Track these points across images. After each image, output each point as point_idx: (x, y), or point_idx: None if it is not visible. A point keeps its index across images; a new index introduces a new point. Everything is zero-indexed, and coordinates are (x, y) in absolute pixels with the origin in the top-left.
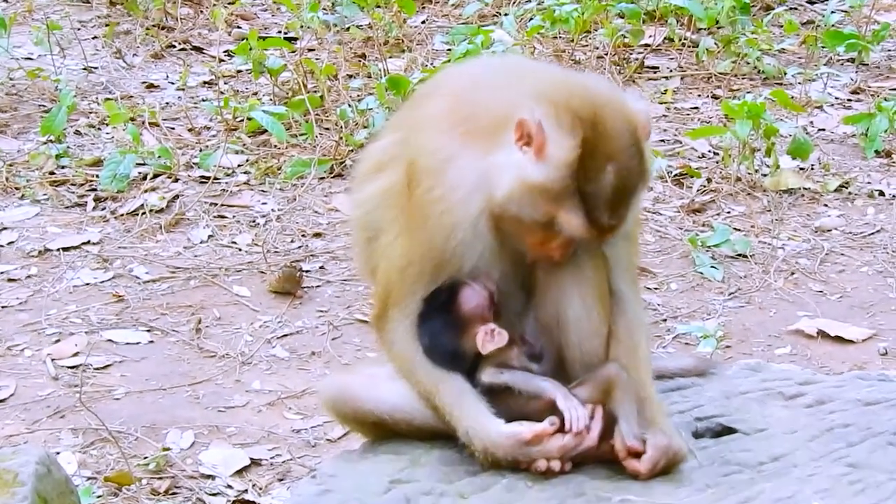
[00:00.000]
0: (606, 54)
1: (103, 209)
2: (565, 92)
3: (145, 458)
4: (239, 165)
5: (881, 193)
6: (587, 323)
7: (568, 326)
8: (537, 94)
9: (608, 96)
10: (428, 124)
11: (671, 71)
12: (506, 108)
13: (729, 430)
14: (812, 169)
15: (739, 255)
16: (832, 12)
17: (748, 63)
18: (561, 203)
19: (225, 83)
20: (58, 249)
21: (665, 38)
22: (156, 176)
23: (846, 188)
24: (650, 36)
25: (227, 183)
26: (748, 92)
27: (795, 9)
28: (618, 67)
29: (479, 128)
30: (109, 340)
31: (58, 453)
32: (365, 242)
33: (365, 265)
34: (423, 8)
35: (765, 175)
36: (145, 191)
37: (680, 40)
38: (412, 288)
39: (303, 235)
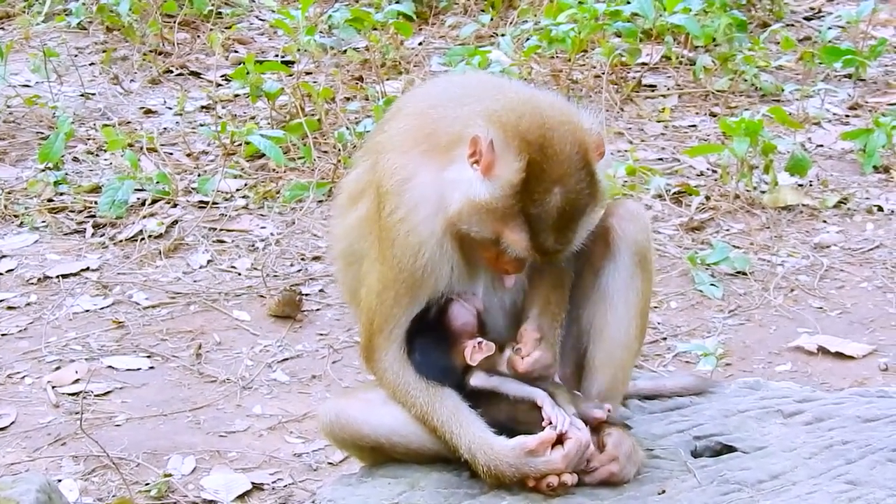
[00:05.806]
0: (604, 73)
1: (102, 235)
2: (517, 113)
3: (147, 484)
4: (237, 190)
5: (880, 209)
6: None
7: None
8: (490, 114)
9: (560, 118)
10: (390, 146)
11: (669, 89)
12: (461, 126)
13: (728, 449)
14: (811, 185)
15: (739, 272)
16: (829, 28)
17: (745, 80)
18: (506, 223)
19: (222, 108)
20: (57, 276)
21: (662, 57)
22: (154, 201)
23: (845, 204)
24: (647, 54)
25: (225, 207)
26: (746, 109)
27: (792, 25)
28: (615, 86)
29: (437, 146)
30: (110, 367)
31: (59, 481)
32: (347, 271)
33: (352, 296)
34: (420, 30)
35: (763, 192)
36: (144, 216)
37: (677, 58)
38: (391, 312)
39: (302, 259)
